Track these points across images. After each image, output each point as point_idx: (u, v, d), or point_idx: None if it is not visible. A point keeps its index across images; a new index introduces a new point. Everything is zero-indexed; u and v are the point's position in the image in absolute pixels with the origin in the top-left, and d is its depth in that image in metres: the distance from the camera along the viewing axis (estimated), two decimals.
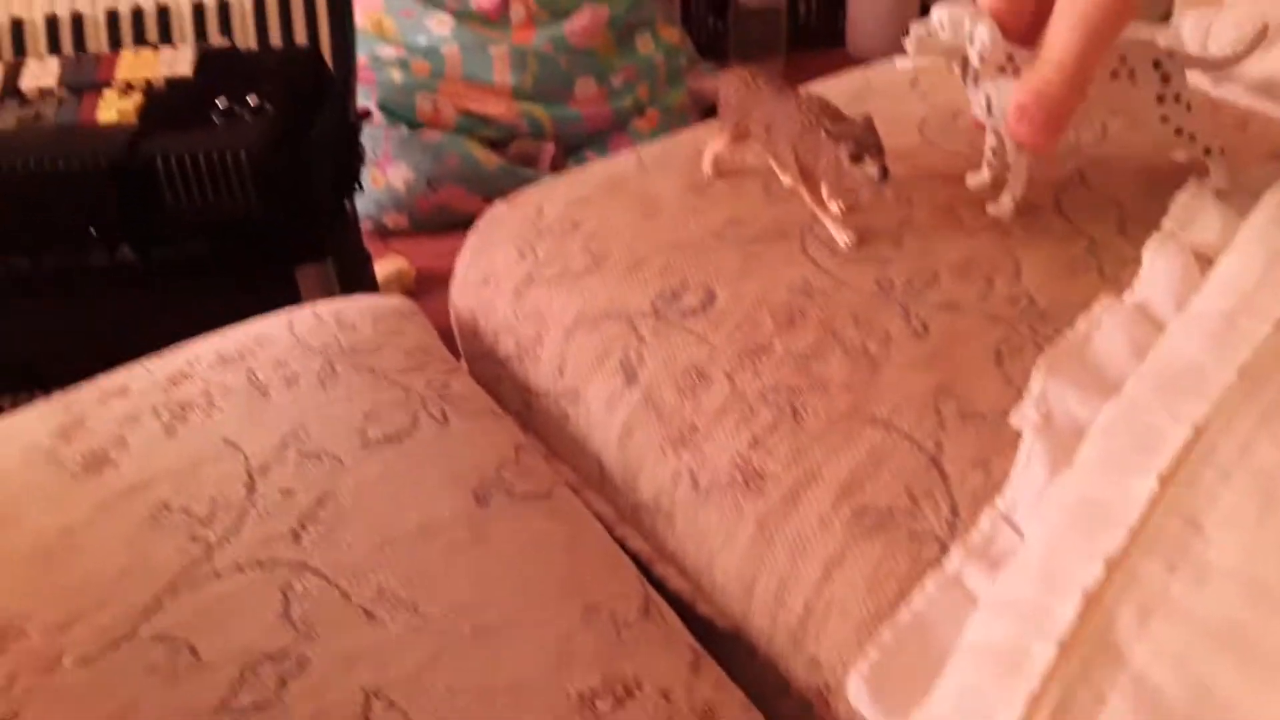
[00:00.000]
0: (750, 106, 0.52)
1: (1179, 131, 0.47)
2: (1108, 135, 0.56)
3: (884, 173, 0.46)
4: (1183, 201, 0.48)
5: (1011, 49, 0.45)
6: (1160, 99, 0.46)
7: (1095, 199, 0.51)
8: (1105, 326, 0.42)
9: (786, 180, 0.53)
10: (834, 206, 0.50)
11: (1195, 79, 0.58)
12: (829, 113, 0.48)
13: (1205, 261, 0.44)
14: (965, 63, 0.46)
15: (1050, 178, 0.52)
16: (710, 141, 0.56)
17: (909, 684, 0.33)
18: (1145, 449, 0.34)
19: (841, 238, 0.49)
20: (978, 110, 0.47)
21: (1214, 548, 0.31)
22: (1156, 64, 0.45)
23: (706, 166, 0.57)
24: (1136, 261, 0.45)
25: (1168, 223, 0.46)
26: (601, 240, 0.54)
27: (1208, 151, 0.48)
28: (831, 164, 0.47)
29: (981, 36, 0.44)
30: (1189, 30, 0.66)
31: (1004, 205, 0.50)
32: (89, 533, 0.39)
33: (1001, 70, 0.45)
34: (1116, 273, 0.45)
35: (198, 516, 0.39)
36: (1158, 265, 0.44)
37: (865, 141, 0.46)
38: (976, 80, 0.46)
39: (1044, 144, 0.43)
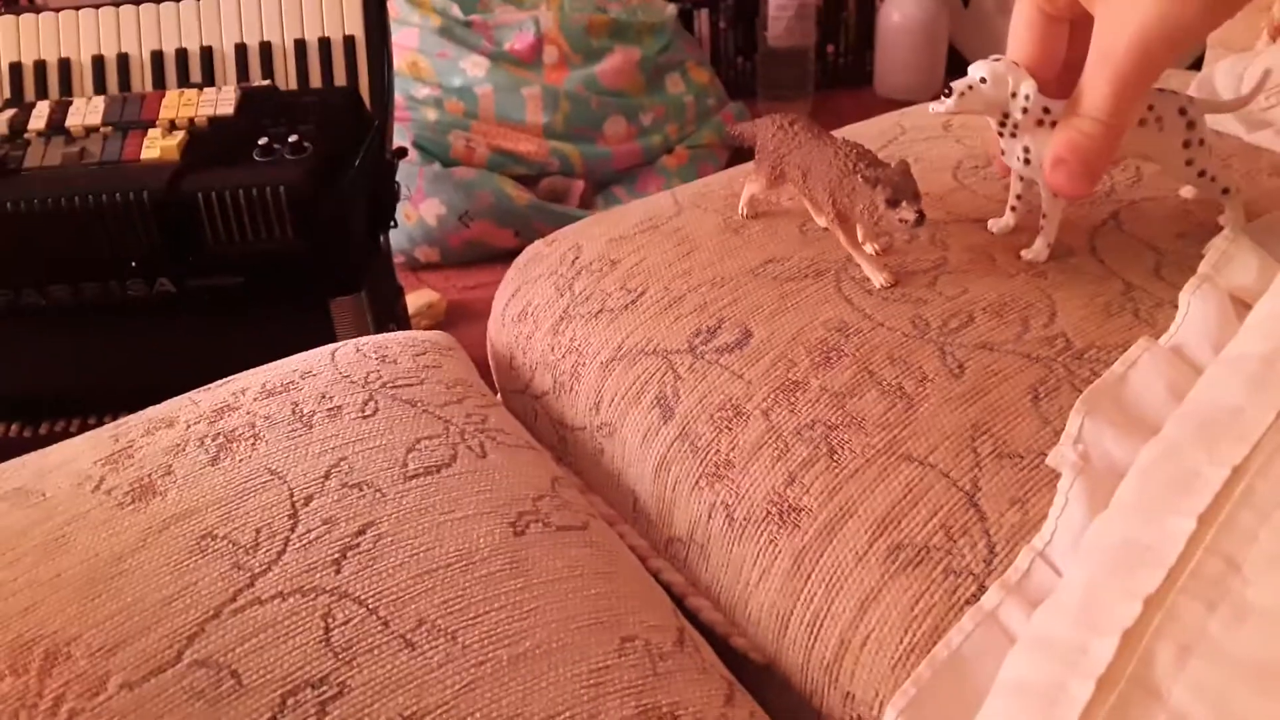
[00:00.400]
0: (787, 151, 0.53)
1: (1202, 174, 0.49)
2: (1141, 180, 0.56)
3: (920, 217, 0.46)
4: (1219, 245, 0.48)
5: (1047, 102, 0.46)
6: (1186, 144, 0.48)
7: (1130, 243, 0.51)
8: (1142, 368, 0.42)
9: (822, 222, 0.53)
10: (870, 248, 0.51)
11: (1229, 126, 0.59)
12: (865, 158, 0.49)
13: (1242, 305, 0.44)
14: (1005, 116, 0.47)
15: (1085, 221, 0.53)
16: (747, 184, 0.57)
17: (945, 719, 0.33)
18: (1184, 490, 0.34)
19: (877, 278, 0.50)
20: (1014, 161, 0.49)
21: (1252, 587, 0.31)
22: (1182, 111, 0.47)
23: (743, 208, 0.58)
24: (1173, 304, 0.45)
25: (1204, 266, 0.47)
26: (639, 278, 0.54)
27: (1225, 191, 0.50)
28: (868, 208, 0.48)
29: (1026, 91, 0.46)
30: (1221, 79, 0.66)
31: (1038, 250, 0.50)
32: (135, 560, 0.40)
33: (1039, 123, 0.47)
34: (1152, 315, 0.46)
35: (242, 545, 0.40)
36: (1194, 308, 0.44)
37: (902, 187, 0.47)
38: (1014, 132, 0.48)
39: (1081, 193, 0.45)
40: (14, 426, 0.90)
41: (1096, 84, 0.42)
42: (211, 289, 0.86)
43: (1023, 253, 0.51)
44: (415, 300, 1.37)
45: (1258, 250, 0.47)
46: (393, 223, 0.98)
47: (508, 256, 0.64)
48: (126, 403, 0.50)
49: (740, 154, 1.70)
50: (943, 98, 0.47)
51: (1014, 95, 0.46)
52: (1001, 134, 0.48)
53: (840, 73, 2.05)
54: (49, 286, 0.84)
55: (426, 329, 0.77)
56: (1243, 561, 0.32)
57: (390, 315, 1.02)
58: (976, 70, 0.47)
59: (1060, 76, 0.46)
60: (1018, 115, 0.47)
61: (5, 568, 0.39)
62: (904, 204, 0.47)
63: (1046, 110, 0.47)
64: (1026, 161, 0.48)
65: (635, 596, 0.41)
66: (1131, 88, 0.42)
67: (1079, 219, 0.52)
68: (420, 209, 1.47)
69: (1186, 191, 0.54)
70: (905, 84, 1.93)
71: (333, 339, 0.54)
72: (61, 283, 0.84)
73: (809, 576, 0.39)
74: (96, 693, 0.35)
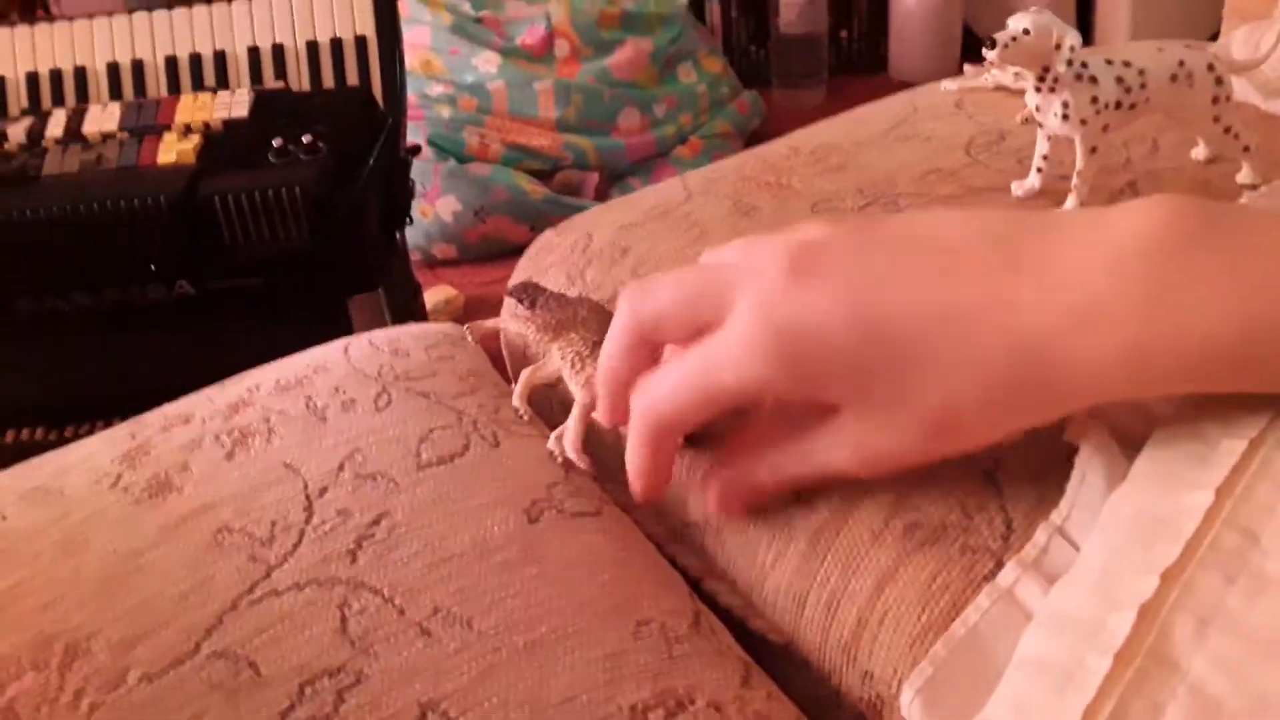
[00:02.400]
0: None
1: (1228, 130, 0.49)
2: (1159, 150, 0.55)
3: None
4: None
5: (1087, 58, 0.47)
6: (1215, 100, 0.48)
7: None
8: None
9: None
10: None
11: (1245, 93, 0.58)
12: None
13: None
14: (1045, 71, 0.47)
15: (1102, 189, 0.52)
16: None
17: (963, 697, 0.33)
18: (1201, 463, 0.34)
19: None
20: (1050, 117, 0.49)
21: (1271, 559, 0.31)
22: (1210, 67, 0.47)
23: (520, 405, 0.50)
24: None
25: None
26: (650, 265, 0.54)
27: (1246, 149, 0.50)
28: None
29: (1071, 43, 0.46)
30: (1239, 47, 0.66)
31: (1070, 209, 0.50)
32: (153, 555, 0.40)
33: (1078, 78, 0.47)
34: None
35: (258, 538, 0.40)
36: None
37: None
38: (1054, 87, 0.48)
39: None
40: (38, 430, 0.91)
41: (817, 461, 0.37)
42: (230, 290, 0.86)
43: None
44: (433, 297, 1.37)
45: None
46: (408, 220, 0.98)
47: (524, 251, 0.64)
48: (148, 405, 0.50)
49: (754, 142, 1.70)
50: (985, 50, 0.47)
51: (1058, 47, 0.46)
52: (1039, 88, 0.48)
53: (854, 58, 2.03)
54: (70, 292, 0.85)
55: (441, 323, 0.78)
56: (1261, 533, 0.31)
57: (408, 312, 1.03)
58: (1019, 21, 0.47)
59: None
60: (1061, 68, 0.47)
61: (25, 565, 0.40)
62: None
63: (1085, 65, 0.47)
64: (1065, 117, 0.48)
65: (650, 581, 0.41)
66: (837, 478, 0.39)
67: (1096, 186, 0.51)
68: (436, 206, 1.48)
69: (1199, 152, 0.54)
70: (920, 68, 1.91)
71: None
72: (82, 288, 0.85)
73: (825, 556, 0.39)
74: (116, 685, 0.35)
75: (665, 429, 0.39)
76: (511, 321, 0.47)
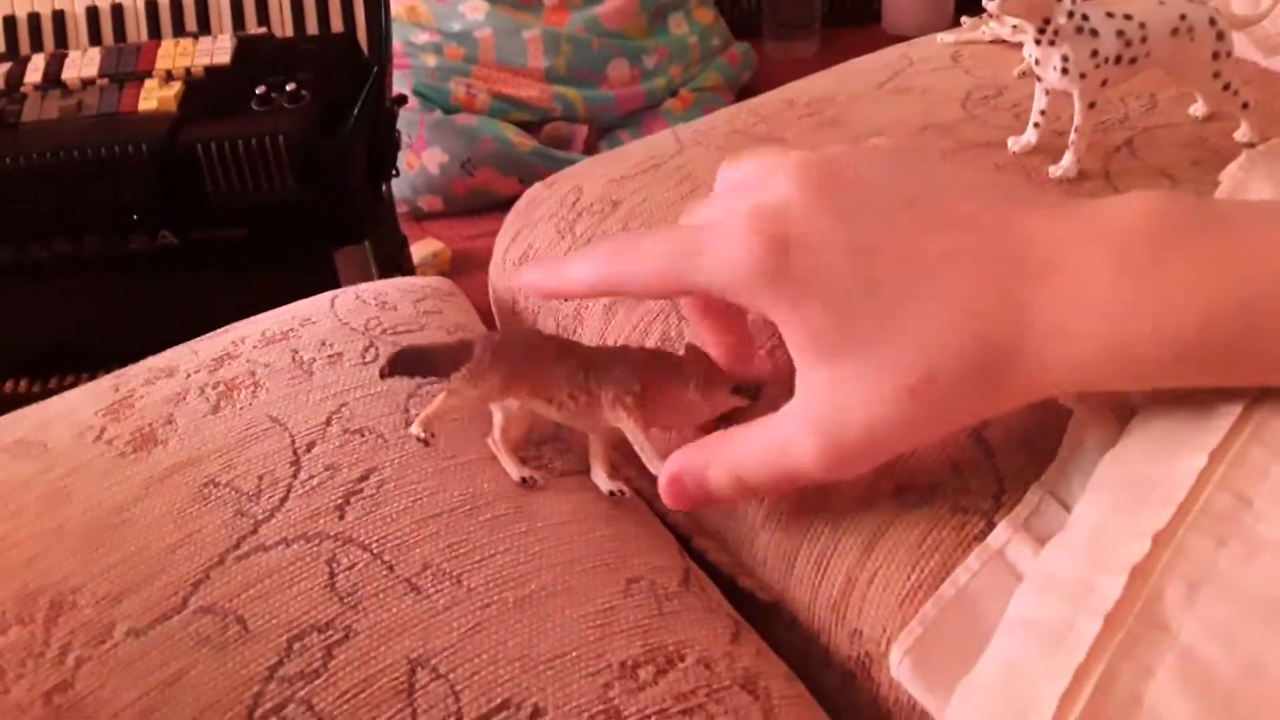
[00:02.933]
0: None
1: (1227, 86, 0.49)
2: (1157, 106, 0.55)
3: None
4: (1233, 172, 0.47)
5: (1088, 10, 0.46)
6: (1215, 55, 0.48)
7: (1144, 168, 0.50)
8: None
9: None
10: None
11: (1246, 50, 0.58)
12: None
13: None
14: (1045, 23, 0.47)
15: (1098, 147, 0.52)
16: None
17: (952, 657, 0.33)
18: (1195, 426, 0.34)
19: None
20: (1049, 71, 0.48)
21: (1264, 522, 0.31)
22: (1212, 21, 0.47)
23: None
24: None
25: (1220, 192, 0.46)
26: (641, 219, 0.54)
27: (1245, 105, 0.50)
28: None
29: None
30: (1237, 3, 0.65)
31: (1068, 166, 0.50)
32: (138, 509, 0.40)
33: (1079, 31, 0.46)
34: None
35: (245, 492, 0.40)
36: None
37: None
38: (1054, 40, 0.47)
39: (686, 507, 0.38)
40: (22, 382, 0.90)
41: (776, 455, 0.35)
42: (214, 241, 0.85)
43: (1050, 169, 0.50)
44: (420, 250, 1.36)
45: (1275, 177, 0.46)
46: (394, 171, 0.97)
47: (512, 204, 0.63)
48: (133, 356, 0.49)
49: (746, 94, 1.68)
50: (986, 1, 0.46)
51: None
52: (1039, 41, 0.47)
53: (848, 10, 2.01)
54: (51, 241, 0.84)
55: (429, 277, 0.77)
56: (1254, 497, 0.31)
57: (395, 265, 1.02)
58: None
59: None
60: (1061, 20, 0.46)
61: (8, 519, 0.39)
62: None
63: (1086, 18, 0.46)
64: (1065, 71, 0.47)
65: (640, 538, 0.41)
66: (797, 480, 0.36)
67: (1093, 144, 0.51)
68: (422, 157, 1.46)
69: (1197, 109, 0.53)
70: (915, 22, 1.89)
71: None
72: (64, 237, 0.84)
73: (815, 515, 0.39)
74: (103, 640, 0.35)
75: (621, 284, 0.37)
76: (452, 400, 0.40)
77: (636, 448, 0.39)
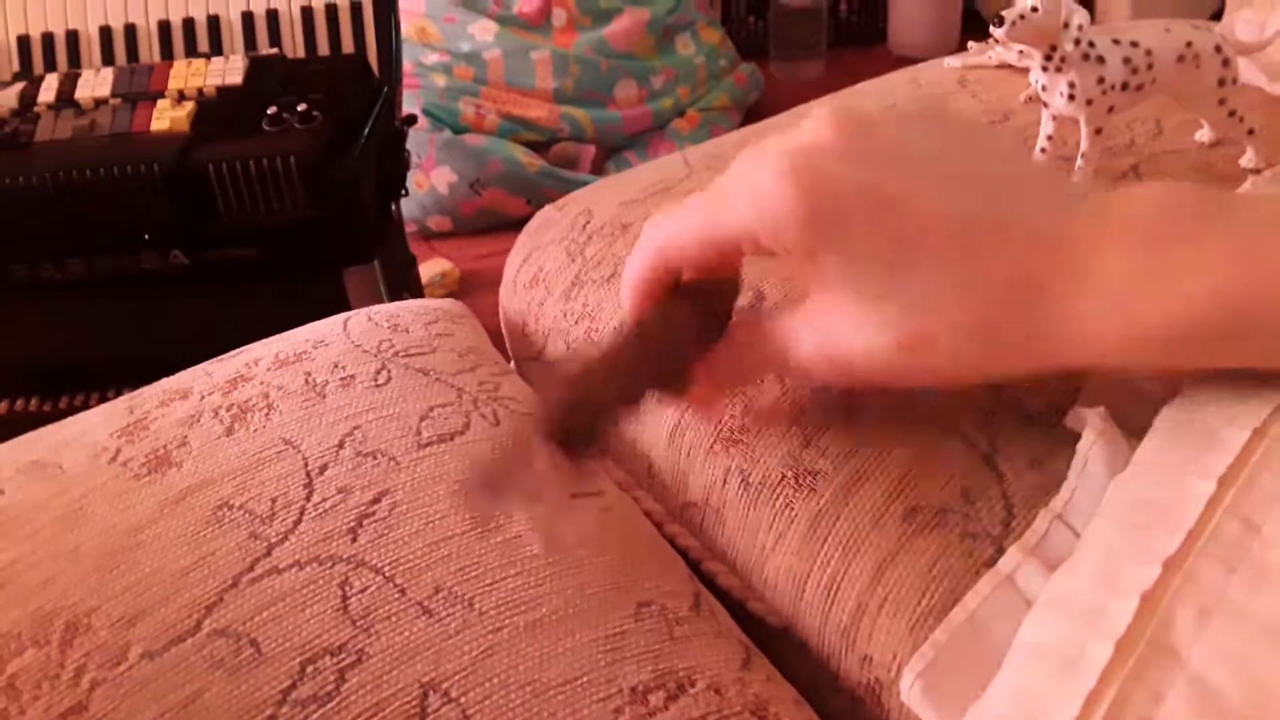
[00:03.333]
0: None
1: (1232, 113, 0.49)
2: (1163, 132, 0.55)
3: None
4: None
5: (1094, 36, 0.47)
6: (1221, 82, 0.48)
7: None
8: None
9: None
10: None
11: (1251, 76, 0.58)
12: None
13: None
14: (1051, 49, 0.47)
15: (1105, 173, 0.52)
16: None
17: (963, 682, 0.33)
18: (1203, 452, 0.34)
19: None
20: (1056, 98, 0.49)
21: (1272, 549, 0.31)
22: (1218, 49, 0.47)
23: None
24: None
25: None
26: None
27: (1251, 132, 0.50)
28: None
29: (1079, 21, 0.46)
30: (1243, 27, 0.65)
31: None
32: (153, 531, 0.40)
33: (1085, 58, 0.47)
34: None
35: (258, 515, 0.40)
36: None
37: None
38: (1060, 66, 0.48)
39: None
40: (33, 400, 0.90)
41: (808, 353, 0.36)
42: (225, 261, 0.86)
43: None
44: (429, 270, 1.37)
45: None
46: (404, 191, 0.98)
47: (520, 224, 0.64)
48: (144, 375, 0.50)
49: (753, 115, 1.69)
50: (993, 27, 0.47)
51: (1066, 26, 0.46)
52: (1046, 68, 0.48)
53: (853, 31, 2.02)
54: (63, 260, 0.85)
55: (441, 299, 0.77)
56: (1263, 523, 0.31)
57: (404, 285, 1.02)
58: None
59: None
60: (1068, 46, 0.47)
61: (24, 540, 0.40)
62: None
63: (1092, 44, 0.47)
64: (1071, 97, 0.48)
65: (651, 562, 0.41)
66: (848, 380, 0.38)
67: (1099, 169, 0.51)
68: (431, 177, 1.47)
69: (1203, 135, 0.54)
70: (920, 41, 1.90)
71: (347, 309, 0.54)
72: (75, 256, 0.85)
73: (825, 540, 0.39)
74: (118, 663, 0.35)
75: (663, 255, 0.37)
76: None
77: None
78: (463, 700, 0.34)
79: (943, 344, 0.33)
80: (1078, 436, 0.38)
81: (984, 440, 0.39)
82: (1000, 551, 0.36)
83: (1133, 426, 0.37)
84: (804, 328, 0.36)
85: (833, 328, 0.35)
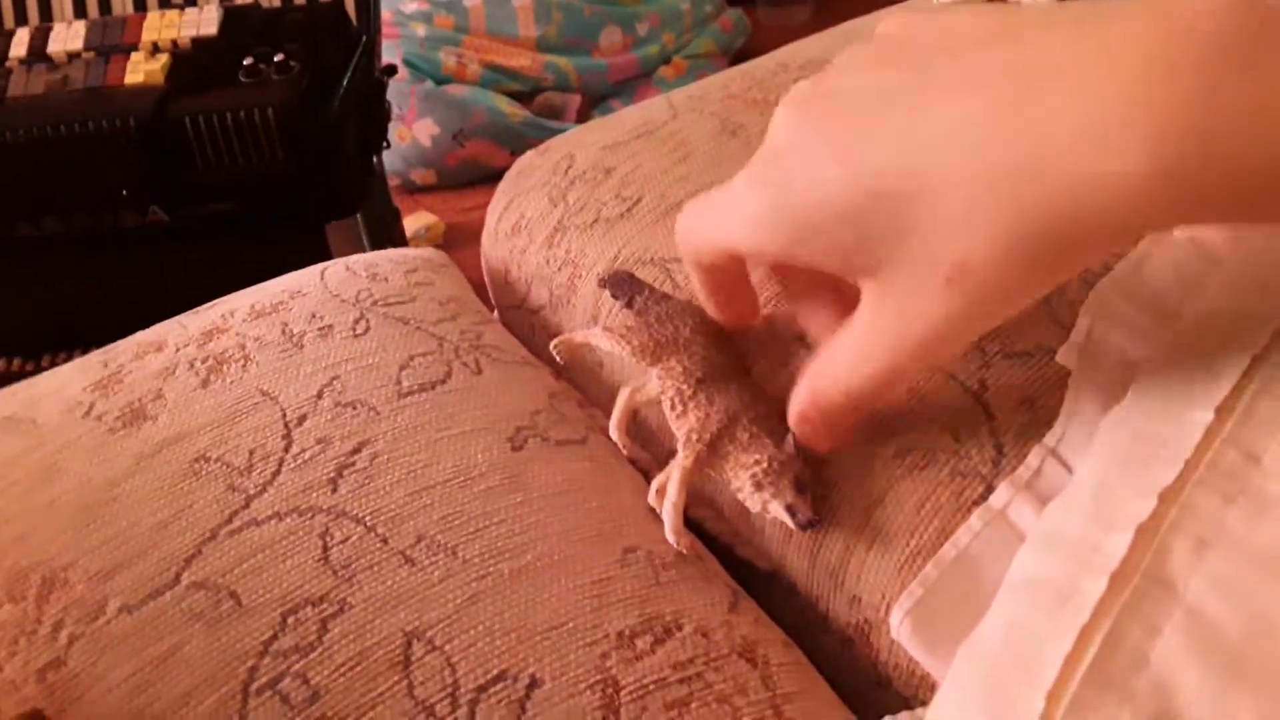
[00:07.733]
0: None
1: None
2: None
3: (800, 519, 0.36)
4: None
5: None
6: None
7: None
8: (1155, 260, 0.41)
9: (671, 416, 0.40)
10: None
11: None
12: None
13: None
14: None
15: None
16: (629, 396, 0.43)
17: (953, 619, 0.32)
18: (1200, 382, 0.33)
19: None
20: None
21: (1272, 479, 0.30)
22: None
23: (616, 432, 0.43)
24: None
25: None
26: (634, 186, 0.53)
27: None
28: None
29: None
30: None
31: None
32: (129, 485, 0.39)
33: None
34: None
35: (236, 467, 0.39)
36: None
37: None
38: None
39: (823, 449, 0.38)
40: (14, 361, 0.89)
41: (861, 364, 0.34)
42: (204, 216, 0.84)
43: None
44: (413, 223, 1.35)
45: None
46: (385, 143, 0.96)
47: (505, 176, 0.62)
48: (125, 334, 0.49)
49: (740, 61, 1.66)
50: None
51: None
52: None
53: None
54: (40, 218, 0.83)
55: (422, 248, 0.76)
56: (1262, 453, 0.31)
57: (388, 238, 1.01)
58: None
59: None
60: None
61: None
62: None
63: None
64: None
65: (637, 508, 0.40)
66: (899, 378, 0.35)
67: None
68: (413, 129, 1.44)
69: None
70: None
71: None
72: (52, 214, 0.83)
73: (813, 482, 0.39)
74: (96, 617, 0.35)
75: (700, 266, 0.37)
76: (604, 339, 0.41)
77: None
78: (446, 648, 0.34)
79: (978, 260, 0.29)
80: (1069, 373, 0.37)
81: (973, 379, 0.39)
82: (990, 490, 0.35)
83: (1128, 361, 0.37)
84: (864, 339, 0.33)
85: (885, 318, 0.32)
